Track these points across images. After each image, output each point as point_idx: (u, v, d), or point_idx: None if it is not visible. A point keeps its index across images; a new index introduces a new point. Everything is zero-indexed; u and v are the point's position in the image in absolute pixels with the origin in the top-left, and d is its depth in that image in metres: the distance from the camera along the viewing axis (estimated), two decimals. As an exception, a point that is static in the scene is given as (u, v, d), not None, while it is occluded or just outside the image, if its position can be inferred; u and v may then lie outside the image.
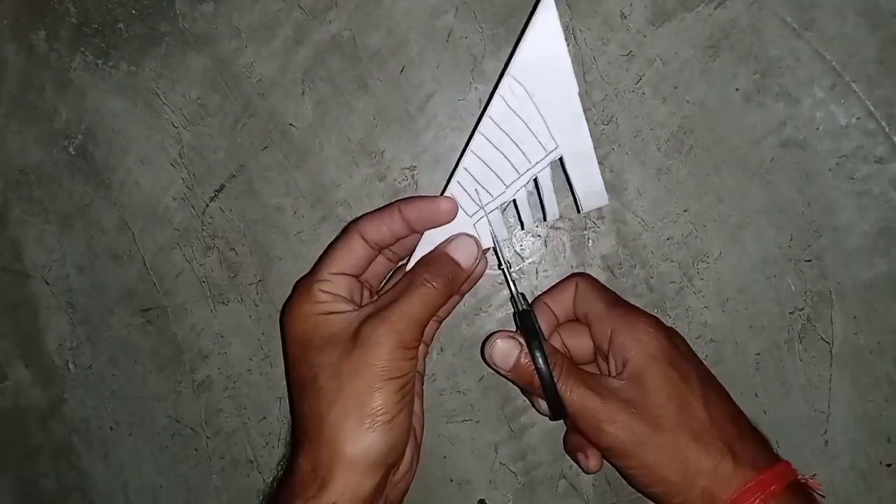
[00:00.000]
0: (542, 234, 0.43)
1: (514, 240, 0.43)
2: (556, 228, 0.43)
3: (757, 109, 0.41)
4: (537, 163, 0.37)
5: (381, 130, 0.43)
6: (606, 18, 0.41)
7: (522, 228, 0.41)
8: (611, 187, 0.42)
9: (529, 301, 0.40)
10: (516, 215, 0.40)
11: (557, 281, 0.41)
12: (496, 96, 0.36)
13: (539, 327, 0.37)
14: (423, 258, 0.37)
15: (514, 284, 0.38)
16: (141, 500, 0.48)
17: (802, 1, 0.40)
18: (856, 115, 0.40)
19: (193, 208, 0.46)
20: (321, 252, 0.44)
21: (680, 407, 0.34)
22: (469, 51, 0.42)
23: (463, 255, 0.37)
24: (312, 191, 0.44)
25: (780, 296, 0.42)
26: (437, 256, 0.37)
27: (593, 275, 0.41)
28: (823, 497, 0.34)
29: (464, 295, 0.41)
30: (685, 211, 0.42)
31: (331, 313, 0.35)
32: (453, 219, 0.37)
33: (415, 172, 0.44)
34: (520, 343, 0.36)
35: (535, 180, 0.38)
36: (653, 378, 0.34)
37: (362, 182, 0.44)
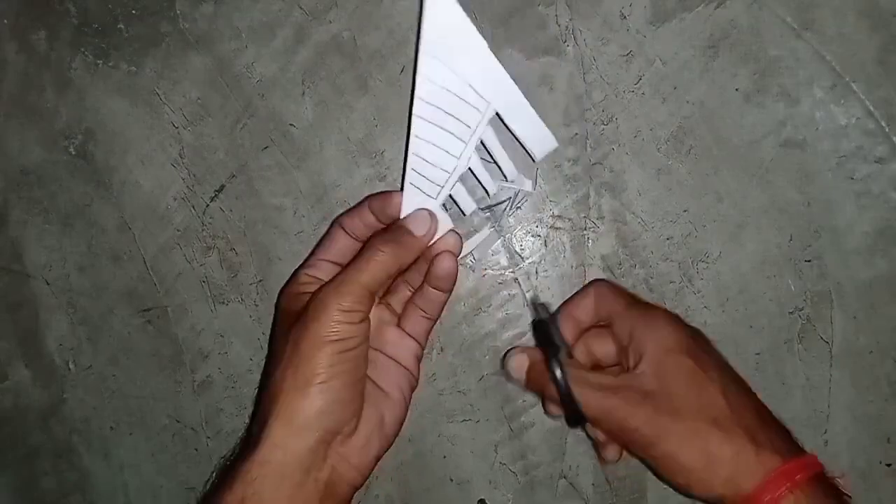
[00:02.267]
0: (541, 234, 0.43)
1: (513, 240, 0.43)
2: (556, 228, 0.43)
3: (757, 109, 0.41)
4: (477, 125, 0.38)
5: (381, 130, 0.43)
6: (606, 19, 0.41)
7: (488, 195, 0.42)
8: (611, 187, 0.42)
9: (551, 310, 0.41)
10: (479, 184, 0.41)
11: (578, 289, 0.41)
12: (418, 76, 0.36)
13: (555, 335, 0.38)
14: (378, 230, 0.39)
15: (531, 293, 0.39)
16: (141, 500, 0.48)
17: (802, 1, 0.40)
18: (855, 116, 0.40)
19: (194, 208, 0.46)
20: (321, 252, 0.45)
21: (699, 395, 0.34)
22: (469, 51, 0.42)
23: (415, 224, 0.38)
24: (313, 191, 0.44)
25: (779, 296, 0.42)
26: (391, 227, 0.39)
27: (593, 275, 0.41)
28: (850, 497, 0.33)
29: (449, 290, 0.40)
30: (685, 211, 0.42)
31: (306, 291, 0.37)
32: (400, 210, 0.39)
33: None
34: (529, 358, 0.38)
35: (483, 143, 0.39)
36: (670, 368, 0.35)
37: (362, 182, 0.44)
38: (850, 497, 0.34)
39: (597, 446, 0.39)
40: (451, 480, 0.45)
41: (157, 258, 0.46)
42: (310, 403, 0.34)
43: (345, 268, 0.37)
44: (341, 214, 0.40)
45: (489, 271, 0.43)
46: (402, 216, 0.39)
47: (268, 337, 0.45)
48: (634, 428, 0.34)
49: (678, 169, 0.42)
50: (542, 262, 0.43)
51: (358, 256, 0.37)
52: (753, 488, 0.32)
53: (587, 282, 0.42)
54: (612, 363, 0.39)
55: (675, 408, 0.34)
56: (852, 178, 0.40)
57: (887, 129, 0.40)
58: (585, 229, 0.43)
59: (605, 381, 0.35)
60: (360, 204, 0.40)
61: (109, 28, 0.45)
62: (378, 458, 0.38)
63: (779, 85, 0.40)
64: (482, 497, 0.44)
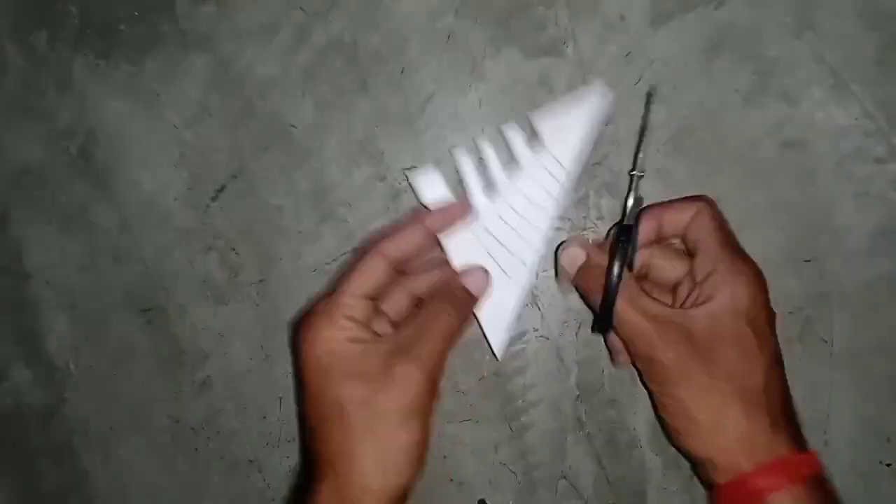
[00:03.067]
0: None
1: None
2: (556, 229, 0.43)
3: (756, 110, 0.41)
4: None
5: (382, 131, 0.44)
6: (606, 19, 0.41)
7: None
8: (611, 188, 0.42)
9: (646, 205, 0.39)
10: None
11: (684, 196, 0.39)
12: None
13: (630, 241, 0.36)
14: (439, 291, 0.38)
15: (636, 192, 0.37)
16: (141, 501, 0.48)
17: (802, 2, 0.40)
18: (855, 116, 0.40)
19: (194, 208, 0.46)
20: (321, 252, 0.45)
21: (740, 363, 0.33)
22: (469, 51, 0.42)
23: (475, 285, 0.39)
24: (313, 191, 0.44)
25: (779, 296, 0.41)
26: (455, 290, 0.38)
27: (711, 199, 0.39)
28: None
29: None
30: (685, 211, 0.42)
31: (354, 341, 0.35)
32: (468, 217, 0.40)
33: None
34: (587, 249, 0.37)
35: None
36: (728, 328, 0.34)
37: (363, 182, 0.44)
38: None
39: (610, 350, 0.39)
40: (451, 480, 0.45)
41: (157, 258, 0.46)
42: (403, 477, 0.34)
43: (409, 328, 0.36)
44: (378, 240, 0.37)
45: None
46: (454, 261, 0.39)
47: (268, 337, 0.45)
48: (659, 360, 0.33)
49: (678, 169, 0.42)
50: (543, 262, 0.43)
51: (430, 320, 0.36)
52: (754, 467, 0.32)
53: (695, 194, 0.39)
54: (665, 285, 0.38)
55: (710, 363, 0.33)
56: (852, 179, 0.40)
57: (887, 130, 0.40)
58: (585, 229, 0.43)
59: (654, 308, 0.34)
60: (406, 226, 0.38)
61: (110, 28, 0.45)
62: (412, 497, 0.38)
63: (778, 85, 0.40)
64: (482, 497, 0.44)
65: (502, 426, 0.44)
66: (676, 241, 0.39)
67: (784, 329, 0.42)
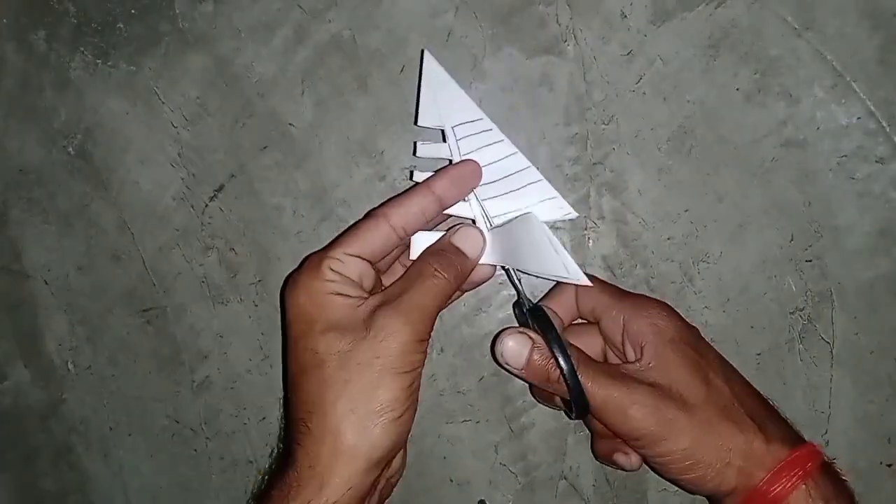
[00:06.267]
0: (542, 234, 0.43)
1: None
2: (557, 228, 0.43)
3: (757, 109, 0.41)
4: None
5: (381, 130, 0.43)
6: (607, 18, 0.41)
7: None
8: (611, 187, 0.42)
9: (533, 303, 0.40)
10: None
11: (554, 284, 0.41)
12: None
13: (553, 322, 0.36)
14: (429, 248, 0.36)
15: (520, 283, 0.38)
16: (141, 500, 0.48)
17: (803, 0, 0.40)
18: (856, 115, 0.40)
19: (193, 208, 0.45)
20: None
21: (705, 385, 0.33)
22: (469, 50, 0.42)
23: (469, 246, 0.36)
24: (312, 191, 0.44)
25: (780, 296, 0.42)
26: (444, 247, 0.36)
27: (594, 274, 0.41)
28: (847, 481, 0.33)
29: (464, 292, 0.41)
30: (686, 211, 0.42)
31: (338, 294, 0.33)
32: (479, 177, 0.37)
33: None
34: (530, 339, 0.35)
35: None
36: (674, 358, 0.34)
37: (362, 182, 0.44)
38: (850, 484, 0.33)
39: (611, 458, 0.37)
40: (452, 481, 0.45)
41: (156, 258, 0.46)
42: (382, 439, 0.31)
43: (405, 285, 0.34)
44: (384, 205, 0.36)
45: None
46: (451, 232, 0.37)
47: (268, 338, 0.45)
48: (640, 418, 0.32)
49: (679, 169, 0.41)
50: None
51: (422, 277, 0.34)
52: (764, 479, 0.32)
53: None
54: (599, 357, 0.38)
55: (682, 397, 0.33)
56: (853, 178, 0.40)
57: (888, 129, 0.40)
58: (586, 229, 0.43)
59: (612, 370, 0.34)
60: (411, 192, 0.36)
61: (109, 27, 0.45)
62: (405, 466, 0.38)
63: (779, 84, 0.40)
64: (482, 498, 0.44)
65: (502, 426, 0.44)
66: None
67: (785, 329, 0.42)
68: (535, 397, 0.42)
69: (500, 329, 0.43)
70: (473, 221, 0.38)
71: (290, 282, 0.35)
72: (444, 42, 0.42)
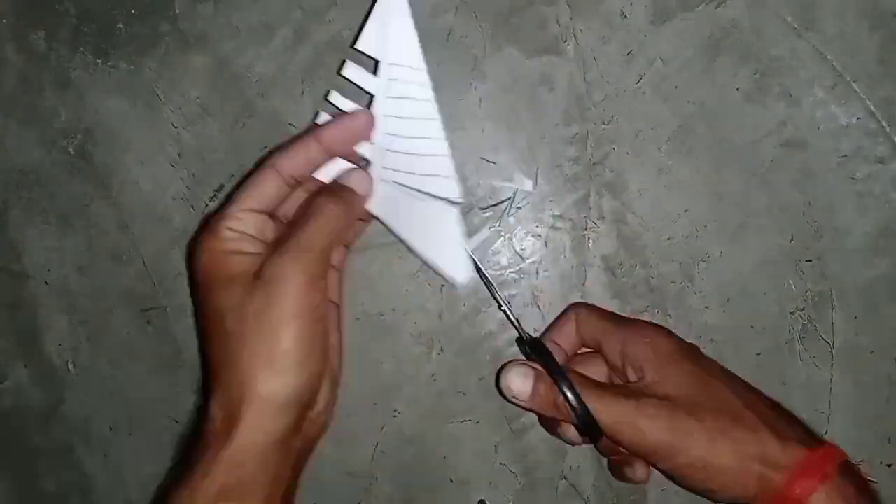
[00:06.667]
0: (542, 234, 0.43)
1: (514, 240, 0.43)
2: (557, 228, 0.43)
3: (758, 109, 0.41)
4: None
5: (381, 130, 0.43)
6: (607, 18, 0.41)
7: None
8: (611, 187, 0.42)
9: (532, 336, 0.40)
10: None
11: (556, 317, 0.41)
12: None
13: (552, 352, 0.37)
14: (316, 190, 0.36)
15: (519, 322, 0.38)
16: (141, 501, 0.48)
17: (803, 1, 0.40)
18: (856, 115, 0.40)
19: (193, 208, 0.45)
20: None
21: (711, 394, 0.33)
22: (469, 50, 0.42)
23: (355, 182, 0.36)
24: (312, 191, 0.44)
25: (780, 296, 0.42)
26: (331, 184, 0.37)
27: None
28: (875, 482, 0.34)
29: (371, 219, 0.40)
30: (686, 211, 0.42)
31: (235, 252, 0.33)
32: (371, 132, 0.37)
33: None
34: (533, 370, 0.36)
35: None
36: (675, 371, 0.34)
37: (362, 182, 0.44)
38: (875, 482, 0.33)
39: (622, 472, 0.38)
40: (452, 481, 0.45)
41: (156, 258, 0.46)
42: (288, 383, 0.32)
43: (292, 228, 0.34)
44: (272, 153, 0.36)
45: (491, 271, 0.43)
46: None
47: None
48: (654, 432, 0.33)
49: (679, 169, 0.41)
50: (543, 261, 0.43)
51: (307, 217, 0.34)
52: (784, 483, 0.31)
53: (564, 308, 0.41)
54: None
55: (692, 406, 0.33)
56: (853, 178, 0.40)
57: (888, 129, 0.40)
58: (586, 229, 0.43)
59: (617, 389, 0.34)
60: (300, 138, 0.36)
61: (109, 28, 0.45)
62: (335, 403, 0.37)
63: (780, 85, 0.40)
64: (482, 498, 0.44)
65: (502, 426, 0.44)
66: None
67: (785, 329, 0.42)
68: (549, 432, 0.41)
69: (499, 329, 0.43)
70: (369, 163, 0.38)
71: (191, 247, 0.35)
72: (444, 42, 0.42)
